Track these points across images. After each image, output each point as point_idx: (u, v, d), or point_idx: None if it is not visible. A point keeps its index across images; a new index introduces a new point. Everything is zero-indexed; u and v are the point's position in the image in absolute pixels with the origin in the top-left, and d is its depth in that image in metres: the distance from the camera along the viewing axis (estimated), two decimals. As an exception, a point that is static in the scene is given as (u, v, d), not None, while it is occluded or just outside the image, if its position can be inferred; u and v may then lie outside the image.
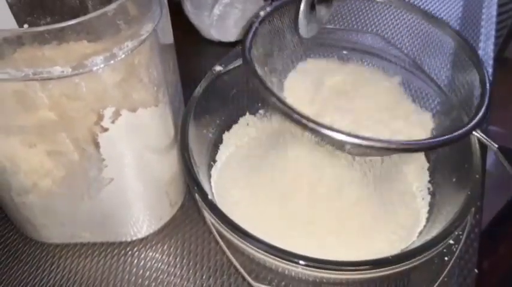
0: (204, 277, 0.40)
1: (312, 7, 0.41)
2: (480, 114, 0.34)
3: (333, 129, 0.31)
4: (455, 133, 0.33)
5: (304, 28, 0.41)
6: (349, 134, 0.31)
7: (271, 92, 0.33)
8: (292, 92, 0.41)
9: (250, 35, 0.37)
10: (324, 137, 0.33)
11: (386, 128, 0.38)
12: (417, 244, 0.37)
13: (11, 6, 0.33)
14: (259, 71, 0.35)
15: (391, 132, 0.38)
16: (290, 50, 0.43)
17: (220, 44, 0.62)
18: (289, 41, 0.43)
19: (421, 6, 0.70)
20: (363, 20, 0.59)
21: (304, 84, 0.42)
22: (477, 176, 0.37)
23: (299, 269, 0.32)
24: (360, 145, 0.31)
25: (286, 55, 0.43)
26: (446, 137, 0.33)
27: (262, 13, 0.39)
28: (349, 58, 0.47)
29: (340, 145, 0.36)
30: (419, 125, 0.40)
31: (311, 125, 0.31)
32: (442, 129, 0.40)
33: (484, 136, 0.36)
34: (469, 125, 0.34)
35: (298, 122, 0.32)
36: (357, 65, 0.47)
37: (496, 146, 0.35)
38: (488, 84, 0.37)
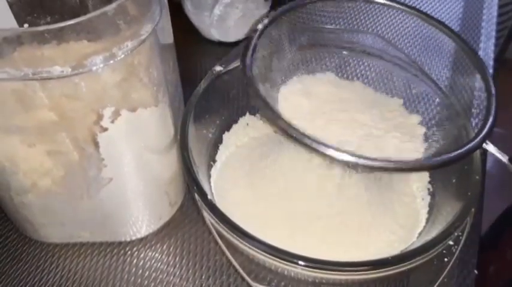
0: (203, 277, 0.40)
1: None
2: (485, 129, 0.34)
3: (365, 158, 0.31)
4: (462, 149, 0.33)
5: None
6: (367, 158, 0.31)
7: (279, 117, 0.33)
8: (288, 105, 0.41)
9: (250, 52, 0.37)
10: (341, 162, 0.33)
11: (390, 143, 0.39)
12: (417, 244, 0.37)
13: (11, 5, 0.33)
14: (261, 90, 0.35)
15: (397, 149, 0.38)
16: (288, 60, 0.44)
17: (221, 44, 0.62)
18: (287, 51, 0.43)
19: (422, 6, 0.70)
20: (363, 21, 0.59)
21: (298, 97, 0.42)
22: (477, 177, 0.37)
23: (298, 270, 0.32)
24: (381, 168, 0.32)
25: (284, 66, 0.43)
26: (453, 154, 0.33)
27: (260, 26, 0.39)
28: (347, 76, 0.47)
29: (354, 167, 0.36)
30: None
31: (328, 151, 0.32)
32: (443, 137, 0.40)
33: (494, 148, 0.36)
34: (477, 139, 0.34)
35: (312, 148, 0.32)
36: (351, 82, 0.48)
37: (507, 157, 0.35)
38: (494, 95, 0.37)
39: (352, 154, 0.31)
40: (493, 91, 0.37)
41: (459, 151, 0.33)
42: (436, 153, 0.38)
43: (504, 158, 0.36)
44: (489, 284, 0.69)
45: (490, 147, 0.36)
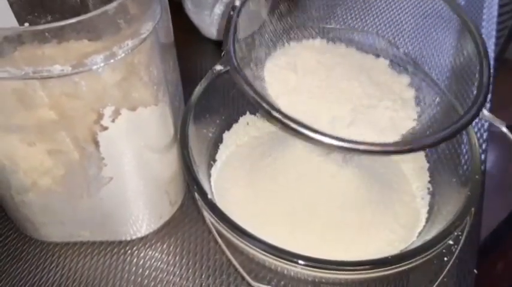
0: (203, 276, 0.40)
1: None
2: (480, 98, 0.34)
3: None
4: (454, 125, 0.33)
5: None
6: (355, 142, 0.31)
7: (268, 103, 0.33)
8: (274, 81, 0.40)
9: (231, 34, 0.36)
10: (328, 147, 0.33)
11: (382, 115, 0.38)
12: (417, 244, 0.37)
13: (11, 4, 0.33)
14: (248, 73, 0.34)
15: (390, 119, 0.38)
16: (270, 32, 0.42)
17: (221, 43, 0.62)
18: (268, 23, 0.42)
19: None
20: (363, 20, 0.59)
21: (284, 71, 0.41)
22: (477, 176, 0.37)
23: (298, 269, 0.32)
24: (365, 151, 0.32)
25: (267, 39, 0.42)
26: (447, 131, 0.32)
27: (237, 2, 0.38)
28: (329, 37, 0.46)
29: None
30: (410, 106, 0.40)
31: (318, 137, 0.31)
32: (437, 101, 0.40)
33: (491, 115, 0.35)
34: (469, 114, 0.33)
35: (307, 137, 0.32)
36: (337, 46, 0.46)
37: (504, 123, 0.34)
38: (486, 57, 0.36)
39: (341, 139, 0.31)
40: (483, 52, 0.36)
41: (452, 127, 0.32)
42: (429, 119, 0.38)
43: (502, 126, 0.35)
44: (495, 283, 0.69)
45: (486, 114, 0.35)
